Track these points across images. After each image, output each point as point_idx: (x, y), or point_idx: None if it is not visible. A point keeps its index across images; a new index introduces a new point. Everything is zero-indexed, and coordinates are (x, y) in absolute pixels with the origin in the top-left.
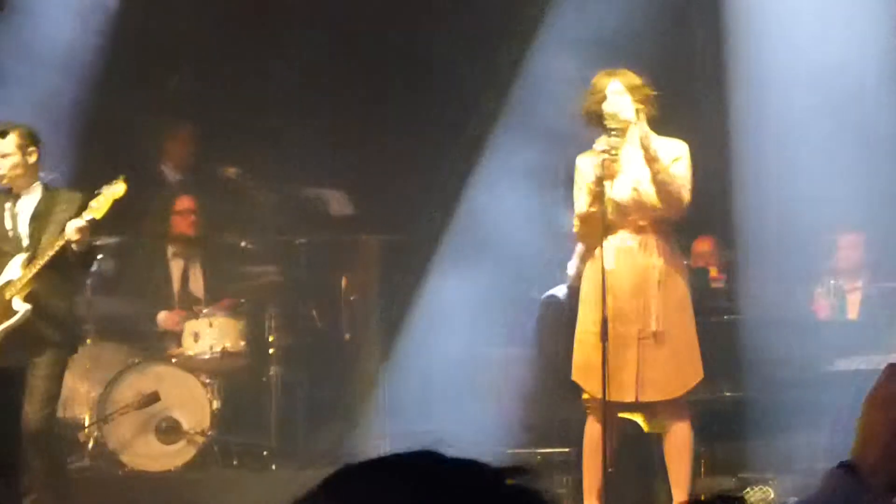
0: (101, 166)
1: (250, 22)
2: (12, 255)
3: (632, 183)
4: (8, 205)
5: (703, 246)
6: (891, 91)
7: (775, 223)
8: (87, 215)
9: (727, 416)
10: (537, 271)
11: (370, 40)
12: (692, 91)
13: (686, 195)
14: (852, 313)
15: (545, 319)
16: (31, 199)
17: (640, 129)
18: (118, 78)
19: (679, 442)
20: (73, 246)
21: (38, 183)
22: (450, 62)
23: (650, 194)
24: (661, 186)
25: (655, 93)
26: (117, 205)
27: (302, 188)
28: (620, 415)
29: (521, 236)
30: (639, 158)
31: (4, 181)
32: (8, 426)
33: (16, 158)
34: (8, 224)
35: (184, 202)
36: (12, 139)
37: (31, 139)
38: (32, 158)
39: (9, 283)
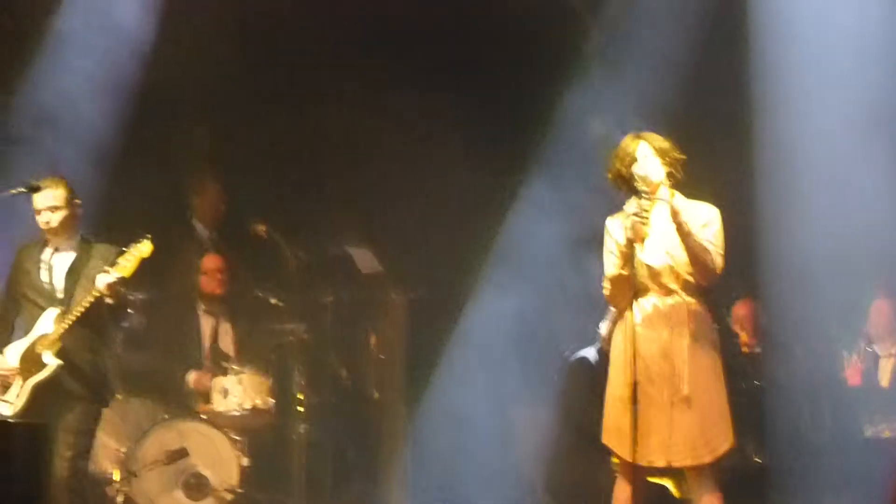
0: (132, 222)
1: (279, 81)
2: (44, 309)
3: (663, 247)
4: (45, 257)
5: (742, 310)
6: None
7: (807, 288)
8: (116, 273)
9: (757, 482)
10: (568, 331)
11: (400, 97)
12: (721, 153)
13: (719, 263)
14: (884, 380)
15: (574, 380)
16: (68, 253)
17: (669, 203)
18: (149, 132)
19: None
20: (107, 300)
21: (75, 236)
22: (481, 121)
23: (681, 259)
24: (694, 258)
25: (684, 156)
26: (147, 261)
27: (330, 245)
28: (650, 479)
29: (551, 296)
30: (669, 224)
31: (52, 234)
32: (37, 481)
33: (64, 212)
34: (44, 277)
35: (212, 261)
36: (62, 192)
37: (74, 192)
38: (77, 211)
39: (41, 337)
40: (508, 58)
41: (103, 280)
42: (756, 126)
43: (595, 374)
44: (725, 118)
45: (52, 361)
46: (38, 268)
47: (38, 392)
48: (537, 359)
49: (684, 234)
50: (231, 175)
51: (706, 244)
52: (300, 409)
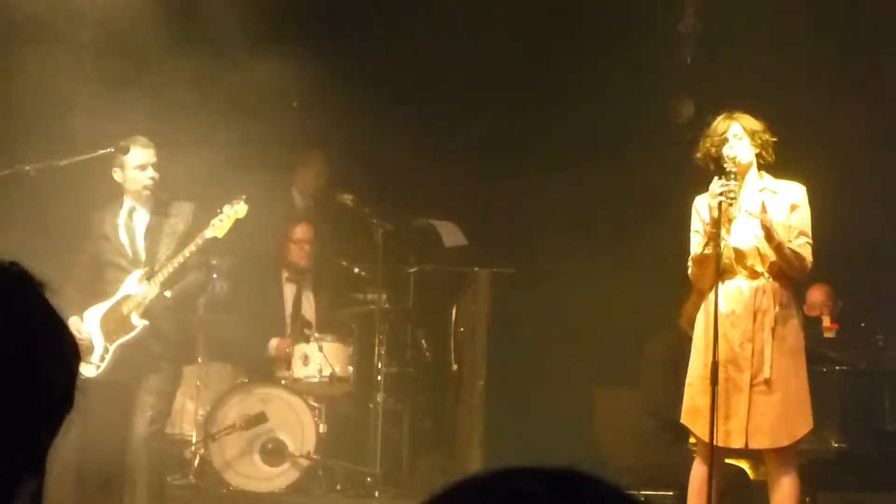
0: (230, 187)
1: (375, 56)
2: (128, 270)
3: (750, 229)
4: (122, 219)
5: (817, 294)
6: None
7: (892, 275)
8: (209, 233)
9: (834, 467)
10: (648, 310)
11: (492, 73)
12: (813, 131)
13: (809, 258)
14: None
15: (654, 360)
16: (144, 214)
17: (758, 217)
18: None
19: (785, 491)
20: (192, 268)
21: (153, 197)
22: (571, 99)
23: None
24: (784, 261)
25: (775, 138)
26: (239, 224)
27: (416, 217)
28: (728, 460)
29: (632, 275)
30: (757, 206)
31: (145, 192)
32: (116, 440)
33: (155, 171)
34: (123, 238)
35: (303, 231)
36: (152, 151)
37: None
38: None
39: (126, 297)
40: (607, 37)
41: (198, 241)
42: (851, 107)
43: (675, 355)
44: (821, 98)
45: (138, 322)
46: (117, 230)
47: (124, 353)
48: (620, 337)
49: (770, 239)
50: (326, 146)
51: (797, 248)
52: (379, 378)
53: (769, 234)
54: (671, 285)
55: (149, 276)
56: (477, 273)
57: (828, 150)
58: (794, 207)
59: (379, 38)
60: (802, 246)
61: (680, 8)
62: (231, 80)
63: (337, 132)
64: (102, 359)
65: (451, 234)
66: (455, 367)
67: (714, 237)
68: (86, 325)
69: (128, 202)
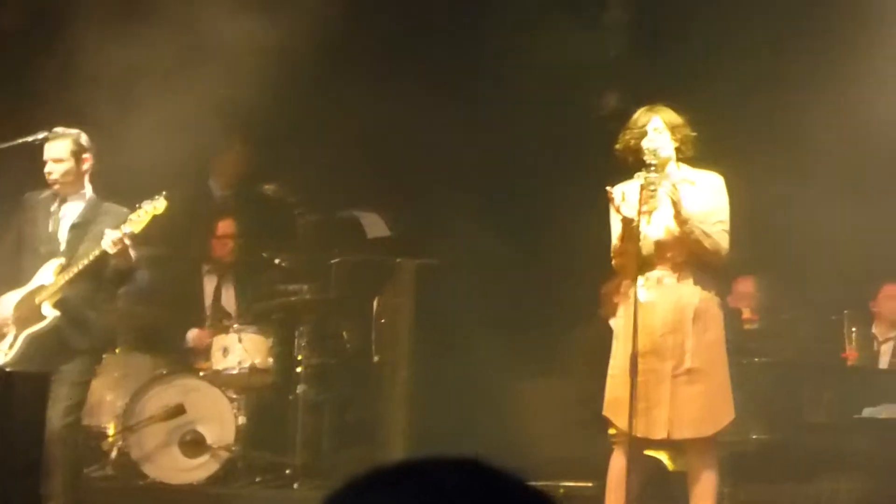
0: (149, 177)
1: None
2: (47, 259)
3: (670, 221)
4: (53, 208)
5: (743, 286)
6: None
7: (814, 267)
8: (126, 228)
9: (753, 458)
10: (572, 301)
11: (415, 64)
12: (734, 124)
13: (722, 245)
14: (883, 362)
15: (579, 350)
16: (75, 207)
17: (671, 190)
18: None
19: (704, 482)
20: (112, 260)
21: (86, 191)
22: (494, 90)
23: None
24: (696, 245)
25: (694, 133)
26: (159, 218)
27: (339, 208)
28: (646, 452)
29: (561, 266)
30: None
31: (56, 186)
32: (32, 432)
33: (69, 164)
34: (49, 227)
35: (224, 226)
36: (67, 145)
37: (84, 146)
38: (84, 166)
39: (40, 287)
40: (527, 29)
41: (112, 235)
42: (774, 99)
43: (600, 346)
44: (742, 90)
45: (50, 313)
46: (45, 217)
47: (34, 343)
48: (544, 328)
49: (682, 221)
50: (246, 137)
51: (708, 229)
52: (299, 369)
53: (678, 211)
54: (595, 276)
55: (62, 269)
56: (400, 264)
57: (750, 141)
58: (711, 197)
59: (299, 25)
60: (718, 232)
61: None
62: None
63: (257, 122)
64: (11, 347)
65: (373, 225)
66: (377, 358)
67: (634, 229)
68: (3, 309)
69: (61, 192)
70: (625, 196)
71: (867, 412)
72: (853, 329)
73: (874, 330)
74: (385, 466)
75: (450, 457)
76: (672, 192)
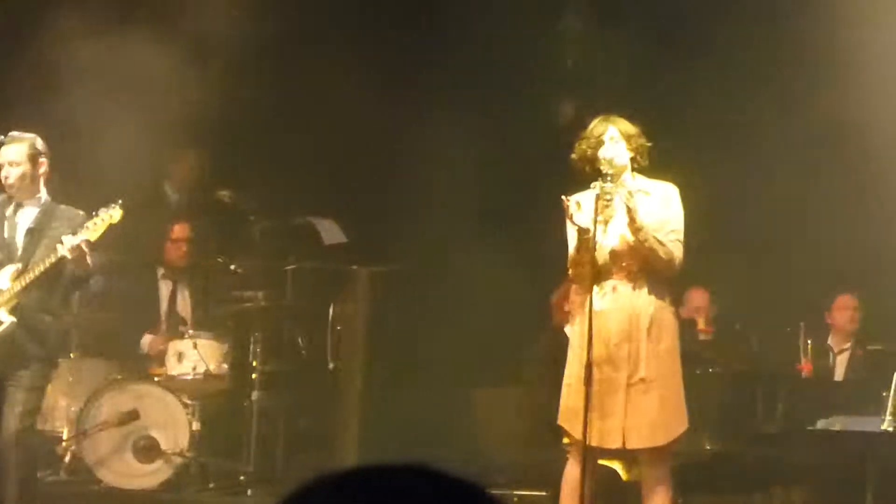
0: (105, 184)
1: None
2: (2, 265)
3: (625, 230)
4: (8, 212)
5: (696, 297)
6: None
7: (770, 278)
8: (82, 235)
9: (707, 469)
10: (529, 309)
11: (371, 71)
12: (688, 135)
13: (676, 255)
14: (838, 374)
15: (536, 359)
16: (30, 211)
17: (626, 197)
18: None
19: (658, 492)
20: (70, 265)
21: (41, 195)
22: (452, 98)
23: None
24: (651, 254)
25: (649, 143)
26: (115, 224)
27: (295, 215)
28: (600, 461)
29: (517, 272)
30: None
31: (12, 190)
32: None
33: (24, 168)
34: (6, 232)
35: (179, 231)
36: (23, 149)
37: (39, 150)
38: (40, 170)
39: None
40: (486, 36)
41: (69, 242)
42: (730, 111)
43: (556, 355)
44: (698, 101)
45: (6, 319)
46: (2, 223)
47: None
48: (501, 337)
49: (636, 230)
50: (202, 142)
51: (662, 239)
52: (254, 376)
53: (633, 220)
54: (551, 285)
55: (18, 274)
56: (356, 271)
57: (705, 152)
58: (666, 207)
59: (255, 31)
60: (673, 242)
61: (561, 9)
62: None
63: (213, 127)
64: None
65: (330, 232)
66: (332, 365)
67: (589, 239)
68: None
69: (16, 196)
70: (580, 205)
71: (821, 424)
72: (808, 341)
73: (829, 341)
74: (331, 473)
75: (396, 464)
76: (628, 201)
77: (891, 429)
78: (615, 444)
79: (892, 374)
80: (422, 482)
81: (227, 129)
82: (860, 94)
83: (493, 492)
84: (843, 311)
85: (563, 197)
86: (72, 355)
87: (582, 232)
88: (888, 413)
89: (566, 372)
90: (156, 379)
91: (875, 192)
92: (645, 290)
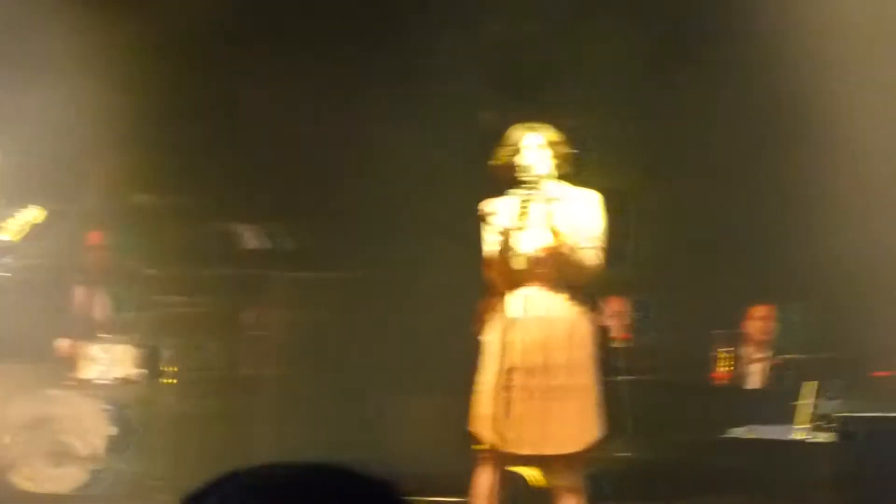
0: (23, 183)
1: (168, 54)
2: None
3: (543, 237)
4: None
5: (613, 304)
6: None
7: (685, 287)
8: (3, 236)
9: (621, 478)
10: (445, 316)
11: (296, 75)
12: (616, 140)
13: (597, 263)
14: (753, 382)
15: (451, 366)
16: None
17: (545, 204)
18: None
19: (570, 499)
20: None
21: None
22: (370, 105)
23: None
24: (569, 262)
25: (573, 150)
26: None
27: (214, 220)
28: (510, 468)
29: (434, 278)
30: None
31: None
32: None
33: None
34: None
35: (95, 237)
36: None
37: None
38: None
39: None
40: (408, 41)
41: None
42: (651, 119)
43: (471, 362)
44: (620, 109)
45: None
46: None
47: None
48: (416, 343)
49: (559, 243)
50: (124, 145)
51: (582, 247)
52: (170, 381)
53: (552, 227)
54: (469, 291)
55: None
56: (273, 277)
57: (628, 159)
58: (586, 214)
59: (181, 30)
60: (592, 250)
61: (483, 13)
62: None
63: (132, 130)
64: None
65: (249, 237)
66: (247, 372)
67: (506, 245)
68: None
69: None
70: (499, 211)
71: (734, 432)
72: (723, 349)
73: (743, 350)
74: (236, 471)
75: (300, 462)
76: (547, 208)
77: (802, 437)
78: (527, 450)
79: (803, 384)
80: (330, 478)
81: (146, 131)
82: (782, 103)
83: (407, 497)
84: (757, 320)
85: (480, 203)
86: None
87: (499, 238)
88: (803, 423)
89: (480, 378)
90: (70, 383)
91: (794, 200)
92: (562, 297)
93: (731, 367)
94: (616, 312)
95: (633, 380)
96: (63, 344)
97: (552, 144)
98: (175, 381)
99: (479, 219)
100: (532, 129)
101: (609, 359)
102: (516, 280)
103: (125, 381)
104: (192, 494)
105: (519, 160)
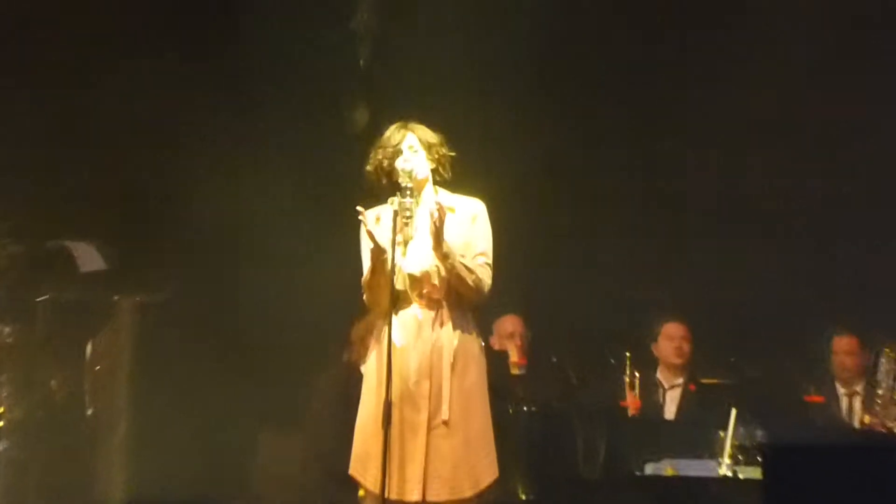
0: None
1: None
2: None
3: (427, 252)
4: None
5: (506, 325)
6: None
7: (591, 305)
8: None
9: None
10: (318, 341)
11: (143, 78)
12: (498, 149)
13: (487, 280)
14: (669, 412)
15: (323, 397)
16: None
17: (428, 216)
18: None
19: None
20: None
21: None
22: (234, 109)
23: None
24: (457, 281)
25: (453, 153)
26: None
27: (47, 238)
28: None
29: (305, 300)
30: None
31: None
32: None
33: None
34: None
35: None
36: None
37: None
38: None
39: None
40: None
41: None
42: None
43: (346, 393)
44: (503, 108)
45: None
46: None
47: None
48: (284, 374)
49: (443, 256)
50: None
51: (470, 263)
52: (1, 423)
53: (437, 242)
54: (344, 313)
55: None
56: (118, 302)
57: (513, 163)
58: (472, 225)
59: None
60: (481, 266)
61: (353, 4)
62: None
63: None
64: None
65: (87, 257)
66: (91, 410)
67: (385, 261)
68: None
69: None
70: (380, 220)
71: (650, 468)
72: (635, 374)
73: (658, 376)
74: None
75: None
76: (431, 219)
77: (730, 473)
78: (413, 496)
79: (730, 412)
80: None
81: None
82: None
83: None
84: (671, 340)
85: (358, 208)
86: None
87: (378, 252)
88: (726, 455)
89: (360, 412)
90: None
91: (699, 212)
92: (449, 319)
93: (645, 395)
94: (512, 334)
95: (533, 410)
96: None
97: (431, 146)
98: (7, 422)
99: (356, 231)
100: (411, 129)
101: (505, 387)
102: (398, 300)
103: None
104: None
105: (399, 164)
